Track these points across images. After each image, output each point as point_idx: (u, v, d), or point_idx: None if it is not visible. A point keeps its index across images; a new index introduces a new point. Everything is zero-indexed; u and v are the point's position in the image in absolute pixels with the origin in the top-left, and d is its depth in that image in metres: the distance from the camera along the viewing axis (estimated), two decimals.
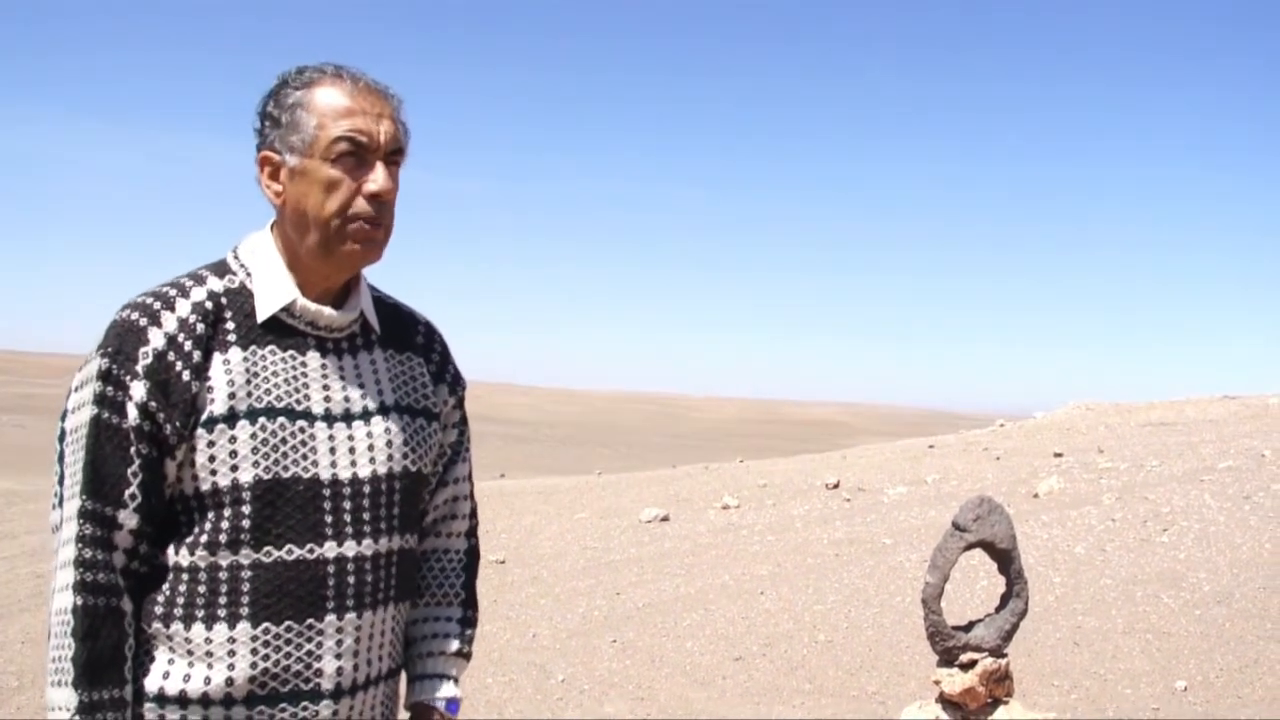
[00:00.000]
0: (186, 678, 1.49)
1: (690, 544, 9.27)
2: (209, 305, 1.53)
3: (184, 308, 1.51)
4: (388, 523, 1.59)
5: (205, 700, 1.48)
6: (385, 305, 1.72)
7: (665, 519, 10.49)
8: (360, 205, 1.53)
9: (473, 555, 1.82)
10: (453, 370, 1.77)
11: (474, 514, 1.83)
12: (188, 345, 1.49)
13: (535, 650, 6.38)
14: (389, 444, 1.60)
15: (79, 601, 1.44)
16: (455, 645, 1.75)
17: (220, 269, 1.59)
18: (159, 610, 1.50)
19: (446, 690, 1.72)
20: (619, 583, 7.96)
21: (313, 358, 1.57)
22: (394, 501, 1.60)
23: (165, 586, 1.50)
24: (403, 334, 1.71)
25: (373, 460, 1.58)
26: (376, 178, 1.53)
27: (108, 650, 1.45)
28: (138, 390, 1.46)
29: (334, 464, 1.54)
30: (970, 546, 3.02)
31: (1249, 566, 7.06)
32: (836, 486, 11.69)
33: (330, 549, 1.53)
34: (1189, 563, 7.27)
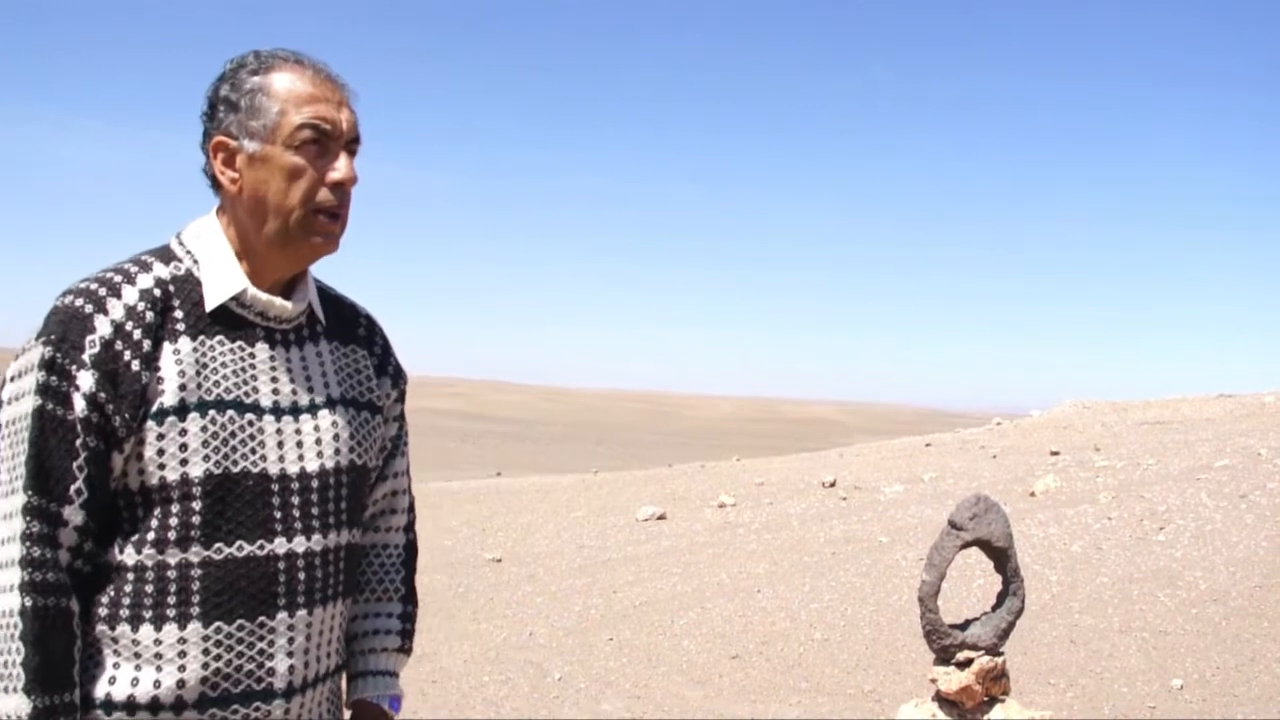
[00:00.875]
0: (135, 681, 1.43)
1: (687, 542, 9.25)
2: (158, 293, 1.47)
3: (131, 295, 1.45)
4: (336, 517, 1.56)
5: (155, 705, 1.43)
6: (327, 297, 1.68)
7: (662, 517, 10.48)
8: (324, 194, 1.50)
9: (411, 550, 1.80)
10: (394, 363, 1.75)
11: (412, 508, 1.80)
12: (137, 334, 1.43)
13: (532, 649, 6.37)
14: (336, 438, 1.57)
15: (28, 603, 1.36)
16: (396, 641, 1.73)
17: (165, 255, 1.53)
18: (104, 612, 1.44)
19: (388, 687, 1.70)
20: (615, 581, 7.95)
21: (261, 349, 1.53)
22: (341, 496, 1.57)
23: (110, 587, 1.44)
24: (346, 326, 1.68)
25: (320, 454, 1.55)
26: (340, 166, 1.50)
27: (59, 653, 1.38)
28: (85, 380, 1.40)
29: (282, 458, 1.50)
30: (967, 545, 3.01)
31: (1245, 565, 7.05)
32: (833, 485, 11.67)
33: (280, 545, 1.49)
34: (1185, 561, 7.26)
